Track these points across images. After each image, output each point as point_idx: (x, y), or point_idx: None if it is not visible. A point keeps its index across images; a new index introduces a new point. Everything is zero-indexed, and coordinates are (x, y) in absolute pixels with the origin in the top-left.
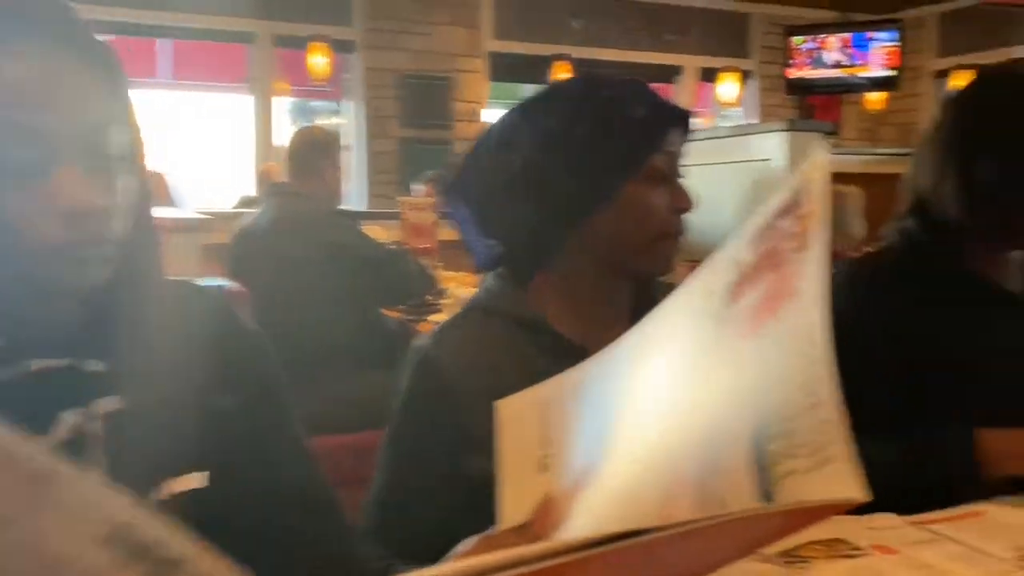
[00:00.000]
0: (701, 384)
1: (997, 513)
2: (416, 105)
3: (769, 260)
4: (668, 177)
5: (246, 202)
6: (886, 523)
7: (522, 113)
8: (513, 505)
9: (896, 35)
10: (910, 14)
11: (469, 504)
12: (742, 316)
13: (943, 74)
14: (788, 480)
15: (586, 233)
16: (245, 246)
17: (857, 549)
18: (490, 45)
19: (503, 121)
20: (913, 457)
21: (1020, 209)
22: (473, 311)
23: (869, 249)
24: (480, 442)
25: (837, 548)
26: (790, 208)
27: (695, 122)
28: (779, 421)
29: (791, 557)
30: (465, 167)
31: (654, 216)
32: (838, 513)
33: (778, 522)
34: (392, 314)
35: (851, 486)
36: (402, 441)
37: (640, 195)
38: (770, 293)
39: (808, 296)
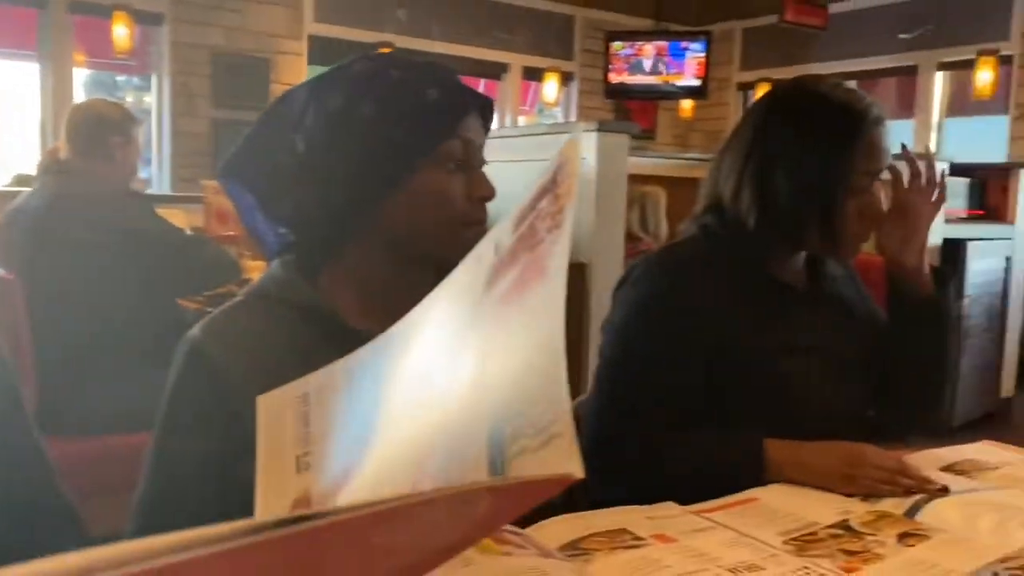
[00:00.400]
0: (450, 373)
1: (770, 499)
2: (230, 85)
3: (527, 241)
4: (465, 164)
5: (21, 180)
6: (667, 513)
7: (308, 92)
8: (269, 508)
9: (706, 46)
10: (719, 27)
11: (244, 510)
12: (497, 299)
13: (748, 86)
14: (517, 460)
15: (378, 220)
16: (15, 229)
17: (639, 539)
18: (311, 28)
19: (287, 99)
20: (704, 455)
21: (807, 218)
22: (252, 299)
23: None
24: (253, 442)
25: (619, 539)
26: (549, 188)
27: (521, 119)
28: (517, 403)
29: (574, 550)
30: (245, 148)
31: (449, 203)
32: (558, 489)
33: (501, 500)
34: (190, 305)
35: (569, 463)
36: (168, 440)
37: (433, 181)
38: (524, 274)
39: (553, 275)
